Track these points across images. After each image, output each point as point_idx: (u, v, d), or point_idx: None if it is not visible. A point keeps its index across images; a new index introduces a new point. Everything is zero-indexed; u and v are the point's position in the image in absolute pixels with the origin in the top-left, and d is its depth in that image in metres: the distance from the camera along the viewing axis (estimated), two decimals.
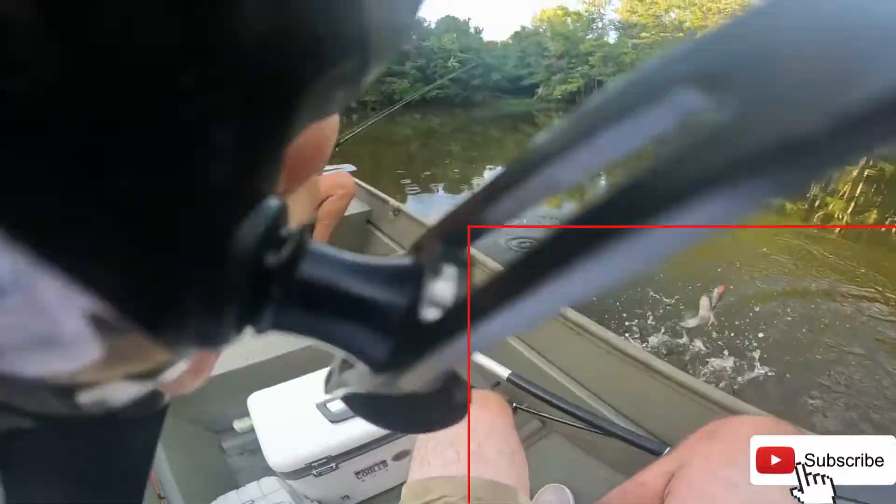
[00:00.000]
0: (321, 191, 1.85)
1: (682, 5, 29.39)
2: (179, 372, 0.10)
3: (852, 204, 6.73)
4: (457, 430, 0.62)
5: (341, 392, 0.13)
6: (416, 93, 3.80)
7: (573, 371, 1.30)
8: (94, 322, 0.07)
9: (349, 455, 0.96)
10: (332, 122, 0.12)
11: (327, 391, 0.14)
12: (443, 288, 0.09)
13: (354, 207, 2.33)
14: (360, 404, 0.13)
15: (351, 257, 0.10)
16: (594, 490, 1.11)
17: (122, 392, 0.09)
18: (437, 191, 6.68)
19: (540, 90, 36.27)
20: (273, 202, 0.09)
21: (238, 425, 1.17)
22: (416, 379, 0.09)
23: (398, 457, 1.06)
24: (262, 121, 0.08)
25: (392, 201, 2.25)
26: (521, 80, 38.36)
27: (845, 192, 7.59)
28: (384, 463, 1.05)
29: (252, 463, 1.14)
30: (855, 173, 9.98)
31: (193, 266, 0.07)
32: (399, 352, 0.09)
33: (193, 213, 0.07)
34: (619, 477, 1.16)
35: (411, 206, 5.61)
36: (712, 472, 0.53)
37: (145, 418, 0.16)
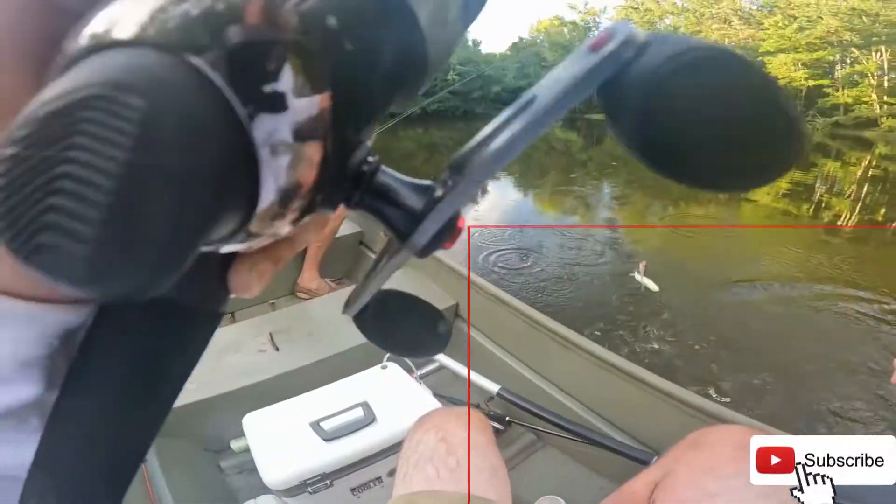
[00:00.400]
0: None
1: (676, 11, 29.58)
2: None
3: (859, 204, 6.67)
4: (436, 447, 0.65)
5: (360, 304, 0.17)
6: (415, 106, 3.86)
7: (564, 384, 1.31)
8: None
9: (343, 472, 0.98)
10: None
11: (347, 309, 0.18)
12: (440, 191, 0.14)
13: (346, 228, 2.37)
14: (368, 326, 0.19)
15: (400, 176, 0.15)
16: (589, 501, 1.11)
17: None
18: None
19: None
20: (368, 145, 0.14)
21: (235, 445, 1.19)
22: (424, 236, 0.13)
23: (393, 473, 1.07)
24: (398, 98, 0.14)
25: None
26: (521, 91, 38.54)
27: (851, 193, 7.56)
28: (379, 479, 1.06)
29: (249, 482, 1.16)
30: (859, 174, 9.96)
31: (337, 168, 0.12)
32: (416, 220, 0.14)
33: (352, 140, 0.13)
34: (613, 487, 1.17)
35: None
36: (694, 480, 0.54)
37: (205, 319, 0.17)
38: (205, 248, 0.11)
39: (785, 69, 21.07)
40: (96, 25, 0.09)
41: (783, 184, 8.03)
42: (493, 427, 0.96)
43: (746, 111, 0.12)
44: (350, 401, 1.05)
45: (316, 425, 0.99)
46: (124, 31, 0.09)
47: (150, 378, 0.17)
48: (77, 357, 0.15)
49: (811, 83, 20.53)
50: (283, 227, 0.12)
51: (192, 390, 1.23)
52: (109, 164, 0.07)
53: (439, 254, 1.81)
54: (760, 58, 22.49)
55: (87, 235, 0.07)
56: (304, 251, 2.10)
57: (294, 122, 0.10)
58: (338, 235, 2.23)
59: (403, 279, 1.85)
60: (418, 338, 0.19)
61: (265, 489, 0.97)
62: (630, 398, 1.13)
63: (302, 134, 0.10)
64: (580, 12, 36.27)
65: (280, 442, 0.96)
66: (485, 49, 45.91)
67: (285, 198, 0.11)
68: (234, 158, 0.09)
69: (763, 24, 23.21)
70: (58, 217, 0.07)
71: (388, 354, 1.31)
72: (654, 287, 3.27)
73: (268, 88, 0.09)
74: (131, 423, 0.17)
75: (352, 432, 0.99)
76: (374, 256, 2.30)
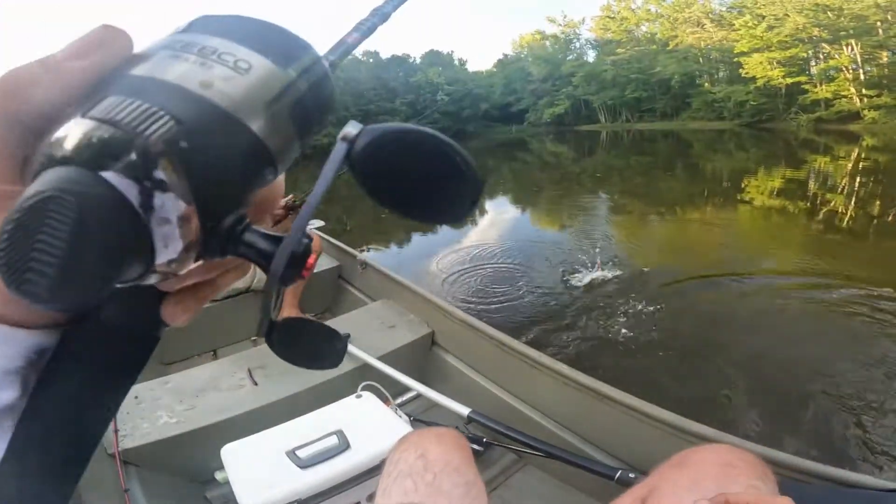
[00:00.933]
0: None
1: (651, 17, 30.17)
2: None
3: (853, 198, 6.68)
4: (414, 464, 0.69)
5: (263, 327, 0.22)
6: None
7: (538, 404, 1.36)
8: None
9: (320, 498, 1.03)
10: (276, 183, 0.22)
11: (258, 335, 0.24)
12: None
13: (325, 263, 2.44)
14: (276, 346, 0.24)
15: (262, 230, 0.20)
16: None
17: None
18: (441, 228, 6.84)
19: (529, 115, 37.02)
20: (240, 212, 0.19)
21: (219, 476, 1.23)
22: (278, 268, 0.19)
23: (371, 498, 1.12)
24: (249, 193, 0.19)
25: (359, 255, 2.36)
26: (510, 107, 39.15)
27: (844, 187, 7.62)
28: None
29: None
30: (850, 166, 10.06)
31: (210, 230, 0.18)
32: (270, 259, 0.19)
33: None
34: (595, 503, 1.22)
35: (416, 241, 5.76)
36: (678, 496, 0.57)
37: (144, 342, 0.23)
38: (125, 283, 0.17)
39: (761, 68, 21.41)
40: (49, 146, 0.16)
41: (776, 181, 8.14)
42: (473, 448, 1.01)
43: (426, 167, 0.19)
44: (325, 429, 1.11)
45: (292, 453, 1.04)
46: (65, 152, 0.15)
47: (99, 386, 0.23)
48: (43, 369, 0.21)
49: (789, 80, 20.87)
50: (182, 269, 0.18)
51: (174, 424, 1.29)
52: (61, 234, 0.13)
53: (416, 286, 1.88)
54: (736, 59, 22.94)
55: (50, 274, 0.13)
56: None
57: (172, 204, 0.16)
58: (316, 271, 2.28)
59: (384, 310, 1.93)
60: (318, 353, 0.25)
61: None
62: (602, 415, 1.17)
63: (179, 212, 0.16)
64: (560, 25, 37.00)
65: (257, 470, 1.02)
66: (471, 67, 46.88)
67: (174, 251, 0.17)
68: (133, 230, 0.15)
69: (734, 24, 23.66)
70: (36, 263, 0.13)
71: (362, 384, 1.37)
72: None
73: (148, 184, 0.15)
74: (83, 422, 0.23)
75: (326, 459, 1.05)
76: (352, 290, 2.35)
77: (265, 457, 1.05)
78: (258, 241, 0.20)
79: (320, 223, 2.72)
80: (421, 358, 1.73)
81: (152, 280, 0.18)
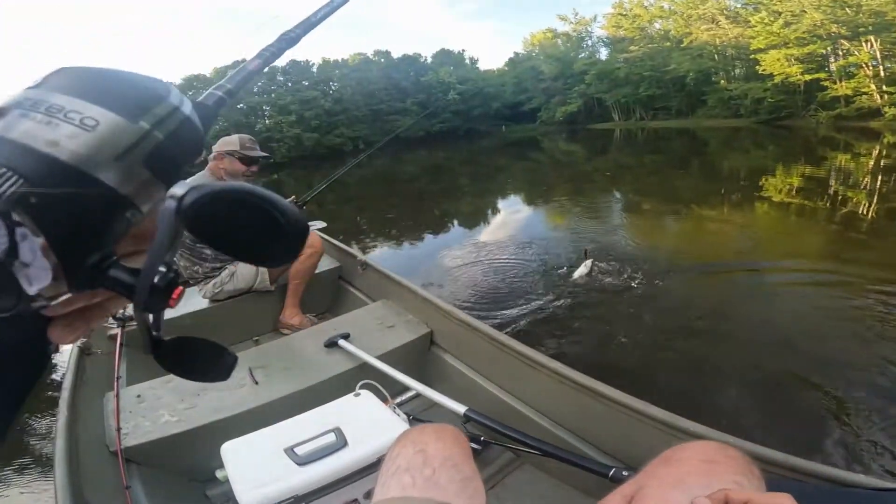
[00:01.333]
0: None
1: (664, 15, 29.73)
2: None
3: (875, 195, 6.47)
4: (413, 458, 0.70)
5: (145, 344, 0.24)
6: (419, 129, 4.09)
7: (534, 403, 1.36)
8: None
9: (317, 494, 1.04)
10: (149, 218, 0.23)
11: (144, 352, 0.25)
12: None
13: (326, 264, 2.46)
14: (166, 362, 0.25)
15: (127, 266, 0.22)
16: None
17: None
18: (454, 226, 6.85)
19: (541, 114, 36.81)
20: (106, 250, 0.21)
21: (220, 474, 1.26)
22: (140, 298, 0.21)
23: (368, 495, 1.13)
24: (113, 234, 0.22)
25: (360, 256, 2.39)
26: (521, 105, 38.98)
27: (866, 184, 7.41)
28: (356, 502, 1.12)
29: None
30: (871, 164, 9.81)
31: (75, 268, 0.20)
32: (132, 291, 0.22)
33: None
34: (589, 502, 1.21)
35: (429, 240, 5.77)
36: (662, 493, 0.58)
37: (38, 357, 0.25)
38: (4, 313, 0.20)
39: (779, 65, 20.96)
40: None
41: (796, 179, 7.97)
42: (471, 447, 1.01)
43: (247, 220, 0.21)
44: (323, 427, 1.12)
45: (290, 451, 1.06)
46: None
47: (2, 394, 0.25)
48: None
49: (807, 77, 20.40)
50: (56, 300, 0.21)
51: (175, 423, 1.31)
52: None
53: (416, 286, 1.90)
54: (753, 55, 22.52)
55: None
56: (286, 289, 2.20)
57: (30, 247, 0.18)
58: (317, 272, 2.30)
59: (383, 310, 1.95)
60: (207, 368, 0.26)
61: None
62: (596, 413, 1.17)
63: (37, 254, 0.19)
64: (571, 23, 36.68)
65: (256, 467, 1.03)
66: (482, 66, 46.77)
67: (38, 287, 0.19)
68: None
69: (750, 21, 23.22)
70: None
71: (361, 382, 1.39)
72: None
73: (4, 233, 0.18)
74: None
75: (324, 456, 1.06)
76: (352, 290, 2.38)
77: (264, 454, 1.07)
78: (122, 275, 0.22)
79: (322, 224, 2.75)
80: (419, 357, 1.74)
81: (32, 308, 0.20)
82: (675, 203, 6.74)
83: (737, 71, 26.06)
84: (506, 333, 1.51)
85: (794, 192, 7.05)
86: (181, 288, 0.23)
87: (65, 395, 1.33)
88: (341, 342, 1.66)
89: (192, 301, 2.22)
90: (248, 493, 0.98)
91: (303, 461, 1.04)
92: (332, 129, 37.19)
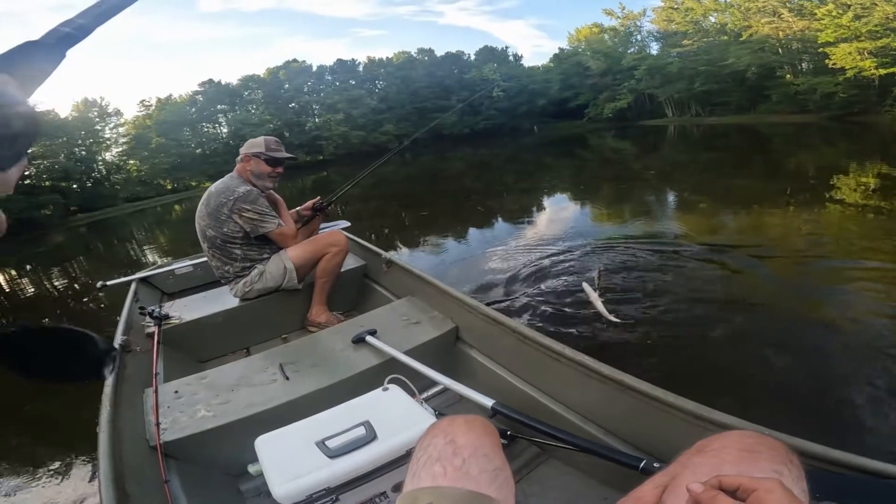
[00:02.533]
0: (317, 250, 2.04)
1: (720, 8, 28.12)
2: None
3: None
4: (444, 449, 0.70)
5: None
6: (419, 131, 4.08)
7: (561, 397, 1.34)
8: None
9: (348, 487, 1.06)
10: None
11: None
12: None
13: (351, 263, 2.50)
14: (7, 358, 0.23)
15: None
16: None
17: None
18: (497, 221, 6.81)
19: (588, 111, 35.89)
20: None
21: (252, 469, 1.28)
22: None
23: (396, 488, 1.14)
24: None
25: (384, 254, 2.40)
26: (568, 102, 38.18)
27: None
28: (384, 495, 1.13)
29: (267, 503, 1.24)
30: None
31: None
32: None
33: None
34: (617, 496, 1.16)
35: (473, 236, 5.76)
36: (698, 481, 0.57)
37: None
38: None
39: (850, 59, 19.30)
40: None
41: (871, 179, 7.36)
42: None
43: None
44: (353, 420, 1.14)
45: (321, 444, 1.08)
46: None
47: None
48: None
49: (882, 72, 18.68)
50: None
51: (211, 417, 1.35)
52: None
53: (440, 282, 1.90)
54: (820, 49, 20.90)
55: None
56: (313, 288, 2.25)
57: None
58: (343, 270, 2.33)
59: (408, 307, 1.96)
60: (67, 364, 0.23)
61: None
62: (625, 406, 1.14)
63: None
64: (618, 18, 35.43)
65: (289, 459, 1.06)
66: (527, 63, 46.11)
67: None
68: None
69: (816, 14, 21.58)
70: None
71: (389, 377, 1.39)
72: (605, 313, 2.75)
73: None
74: None
75: (354, 449, 1.07)
76: (378, 288, 2.42)
77: (296, 447, 1.09)
78: None
79: (346, 223, 2.80)
80: (445, 353, 1.73)
81: None
82: (738, 201, 6.33)
83: (803, 65, 24.32)
84: (531, 327, 1.48)
85: (871, 191, 6.47)
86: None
87: (107, 390, 1.37)
88: (368, 338, 1.67)
89: (224, 300, 2.28)
90: (281, 486, 1.00)
91: (334, 454, 1.06)
92: (377, 127, 37.96)
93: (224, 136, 37.51)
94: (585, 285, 3.12)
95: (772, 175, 8.88)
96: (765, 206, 5.96)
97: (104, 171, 34.10)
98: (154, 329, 1.88)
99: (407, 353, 1.56)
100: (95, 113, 34.22)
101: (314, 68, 41.25)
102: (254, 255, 2.20)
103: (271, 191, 2.29)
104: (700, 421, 0.97)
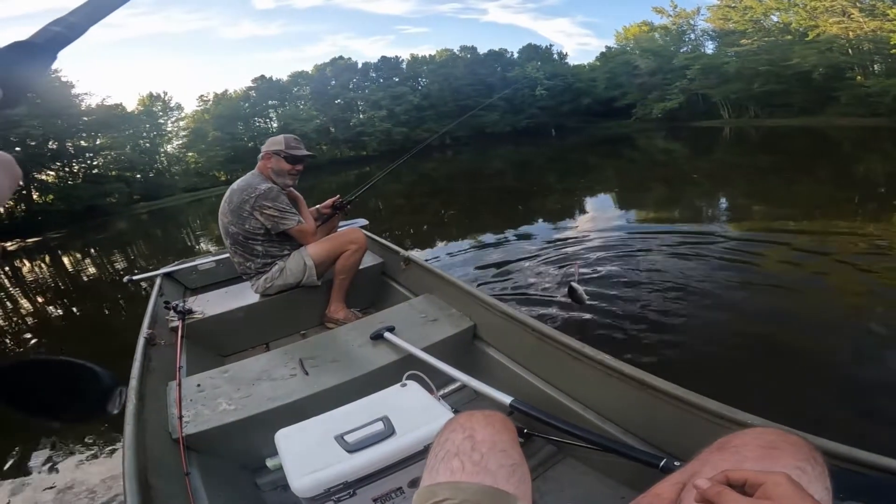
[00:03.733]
0: (335, 247, 2.08)
1: (783, 7, 26.37)
2: None
3: None
4: (462, 444, 0.71)
5: None
6: (443, 128, 4.05)
7: (579, 395, 1.32)
8: None
9: (365, 482, 1.08)
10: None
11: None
12: None
13: (369, 260, 2.52)
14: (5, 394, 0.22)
15: None
16: None
17: None
18: (538, 221, 6.72)
19: (636, 110, 34.70)
20: None
21: (270, 463, 1.32)
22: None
23: (413, 483, 1.14)
24: None
25: (402, 252, 2.41)
26: (614, 101, 37.04)
27: None
28: (400, 490, 1.14)
29: (284, 498, 1.27)
30: None
31: None
32: None
33: None
34: (634, 495, 1.12)
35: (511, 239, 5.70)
36: None
37: None
38: None
39: None
40: None
41: None
42: None
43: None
44: (371, 416, 1.16)
45: (340, 438, 1.10)
46: None
47: None
48: None
49: None
50: None
51: (232, 411, 1.39)
52: None
53: (458, 280, 1.91)
54: (893, 51, 19.31)
55: None
56: (332, 284, 2.28)
57: None
58: (361, 267, 2.36)
59: (426, 304, 1.97)
60: (64, 400, 0.21)
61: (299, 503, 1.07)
62: (644, 405, 1.11)
63: None
64: (670, 16, 33.97)
65: (308, 453, 1.08)
66: (572, 61, 45.05)
67: None
68: None
69: (888, 14, 19.89)
70: None
71: (407, 373, 1.40)
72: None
73: None
74: None
75: (373, 444, 1.09)
76: (395, 285, 2.44)
77: (315, 441, 1.11)
78: None
79: (364, 221, 2.83)
80: (463, 350, 1.73)
81: None
82: (798, 212, 5.92)
83: (875, 66, 22.53)
84: (550, 325, 1.46)
85: None
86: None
87: (132, 383, 1.41)
88: (387, 335, 1.69)
89: (245, 295, 2.33)
90: (300, 479, 1.02)
91: (352, 448, 1.08)
92: (420, 124, 38.23)
93: (274, 130, 38.84)
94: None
95: (838, 181, 8.25)
96: (827, 211, 5.54)
97: (165, 163, 36.30)
98: (178, 323, 1.94)
99: (425, 349, 1.57)
100: (159, 107, 36.45)
101: (359, 65, 41.98)
102: (274, 252, 2.24)
103: (291, 188, 2.34)
104: (722, 420, 0.95)
